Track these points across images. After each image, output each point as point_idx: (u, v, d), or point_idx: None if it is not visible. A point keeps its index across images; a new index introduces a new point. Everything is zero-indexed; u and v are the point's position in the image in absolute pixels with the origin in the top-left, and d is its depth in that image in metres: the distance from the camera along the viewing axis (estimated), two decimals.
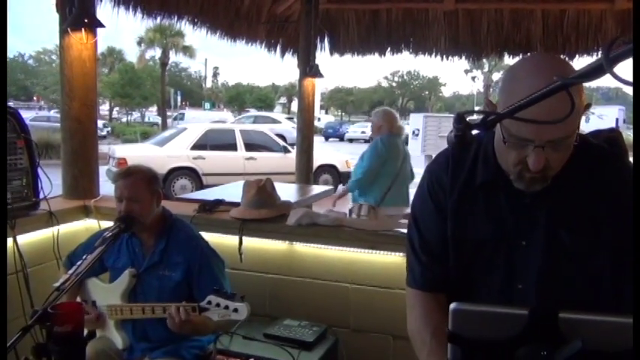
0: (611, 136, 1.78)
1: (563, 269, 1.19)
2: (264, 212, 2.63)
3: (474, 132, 1.02)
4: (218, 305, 1.88)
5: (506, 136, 1.13)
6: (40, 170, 2.61)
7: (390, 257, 2.46)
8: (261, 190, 2.66)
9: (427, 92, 63.82)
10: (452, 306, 0.86)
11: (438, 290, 1.33)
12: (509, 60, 6.90)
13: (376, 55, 6.67)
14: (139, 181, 2.15)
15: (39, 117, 24.31)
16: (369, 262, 2.52)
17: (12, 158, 2.45)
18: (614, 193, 1.16)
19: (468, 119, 1.00)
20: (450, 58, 6.56)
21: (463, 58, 6.74)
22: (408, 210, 4.45)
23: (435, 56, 6.53)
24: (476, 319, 0.86)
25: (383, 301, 2.49)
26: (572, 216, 1.19)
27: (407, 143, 5.29)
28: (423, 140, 11.17)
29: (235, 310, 1.86)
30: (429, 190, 1.34)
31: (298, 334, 2.29)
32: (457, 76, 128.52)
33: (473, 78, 51.74)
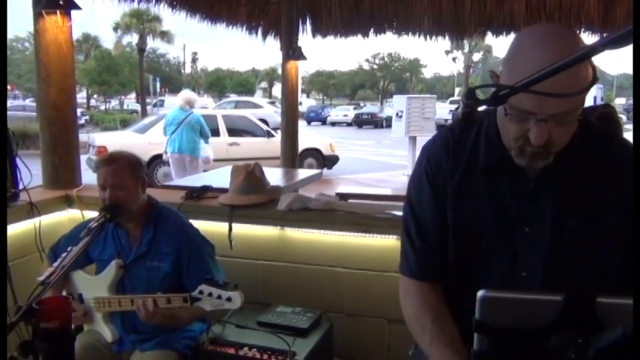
0: (605, 111, 1.75)
1: (569, 256, 1.16)
2: (253, 198, 2.56)
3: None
4: (210, 295, 1.82)
5: (508, 108, 1.07)
6: (18, 160, 2.51)
7: (383, 240, 2.43)
8: (250, 175, 2.59)
9: (408, 74, 63.78)
10: (480, 293, 0.81)
11: (434, 280, 1.28)
12: (491, 40, 6.88)
13: (359, 36, 6.57)
14: (123, 168, 2.06)
15: (14, 106, 23.75)
16: (362, 245, 2.48)
17: None
18: (620, 177, 1.12)
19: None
20: (433, 38, 6.49)
21: (447, 38, 6.69)
22: (180, 155, 6.69)
23: (419, 36, 6.44)
24: (505, 306, 0.81)
25: (377, 285, 2.46)
26: (578, 201, 1.15)
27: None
28: (407, 122, 11.10)
29: (229, 299, 1.81)
30: (427, 173, 1.28)
31: (292, 320, 2.24)
32: (438, 58, 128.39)
33: (454, 59, 51.72)
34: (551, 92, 0.92)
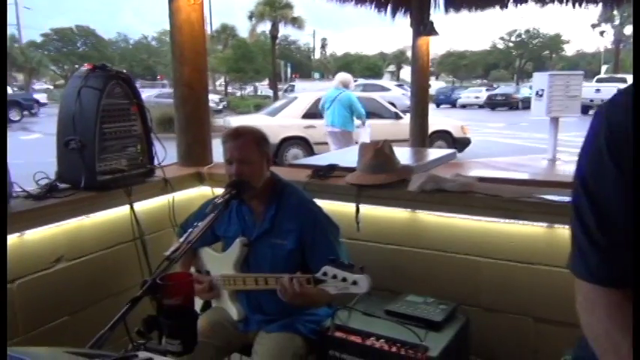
0: None
1: None
2: (382, 177, 2.39)
3: None
4: (335, 277, 1.68)
5: None
6: (154, 138, 2.57)
7: (530, 228, 2.13)
8: (379, 153, 2.42)
9: (547, 52, 59.16)
10: None
11: (625, 286, 0.98)
12: None
13: (497, 8, 6.04)
14: (249, 142, 2.00)
15: (163, 94, 25.72)
16: (505, 232, 2.20)
17: (126, 125, 2.42)
18: None
19: None
20: (583, 5, 5.76)
21: (599, 5, 5.92)
22: (332, 129, 7.04)
23: (566, 4, 5.76)
24: None
25: (522, 278, 2.17)
26: None
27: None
28: (548, 101, 10.15)
29: (354, 283, 1.65)
30: (608, 145, 0.97)
31: (424, 312, 2.04)
32: (582, 32, 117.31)
33: (601, 33, 46.95)
34: None
